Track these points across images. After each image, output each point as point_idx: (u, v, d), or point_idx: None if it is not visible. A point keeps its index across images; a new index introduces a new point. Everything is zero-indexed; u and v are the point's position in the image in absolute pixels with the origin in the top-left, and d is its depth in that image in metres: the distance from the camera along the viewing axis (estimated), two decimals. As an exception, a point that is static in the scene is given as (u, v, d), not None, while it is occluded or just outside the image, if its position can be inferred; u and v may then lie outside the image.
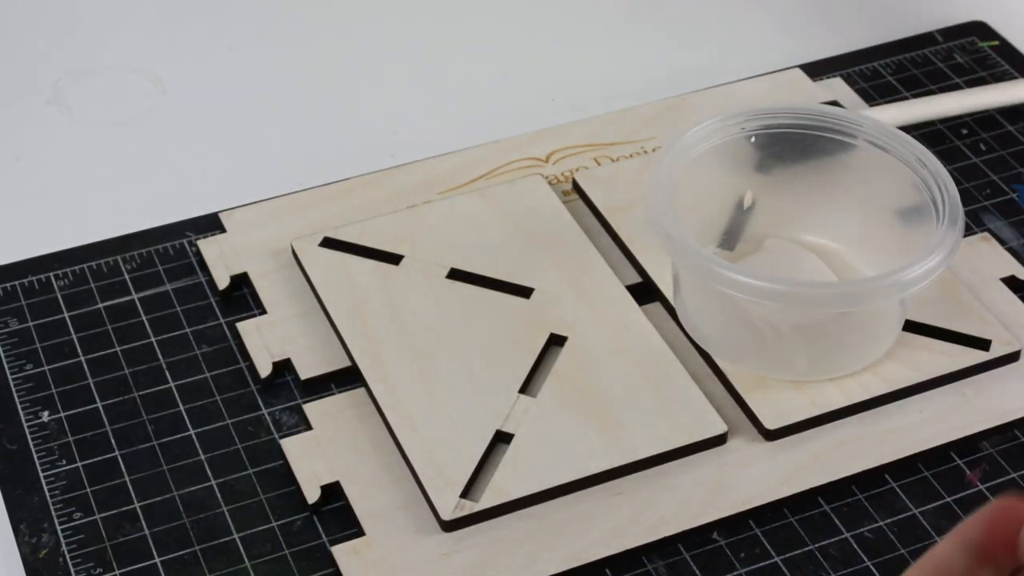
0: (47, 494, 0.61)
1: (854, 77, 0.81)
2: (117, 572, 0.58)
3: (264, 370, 0.64)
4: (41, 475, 0.61)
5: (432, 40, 0.85)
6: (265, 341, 0.65)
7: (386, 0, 0.88)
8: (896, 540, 0.59)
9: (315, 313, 0.67)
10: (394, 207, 0.71)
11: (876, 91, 0.80)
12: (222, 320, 0.68)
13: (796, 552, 0.59)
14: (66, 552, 0.58)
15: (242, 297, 0.69)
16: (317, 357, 0.65)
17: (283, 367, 0.65)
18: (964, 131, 0.78)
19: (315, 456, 0.61)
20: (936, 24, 0.85)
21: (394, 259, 0.68)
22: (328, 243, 0.68)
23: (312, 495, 0.60)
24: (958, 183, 0.75)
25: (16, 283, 0.69)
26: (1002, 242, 0.71)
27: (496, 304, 0.66)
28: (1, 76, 0.84)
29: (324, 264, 0.68)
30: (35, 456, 0.62)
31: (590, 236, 0.69)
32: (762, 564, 0.58)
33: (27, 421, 0.63)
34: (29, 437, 0.63)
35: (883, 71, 0.82)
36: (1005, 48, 0.83)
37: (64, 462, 0.62)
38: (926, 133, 0.77)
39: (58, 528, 0.59)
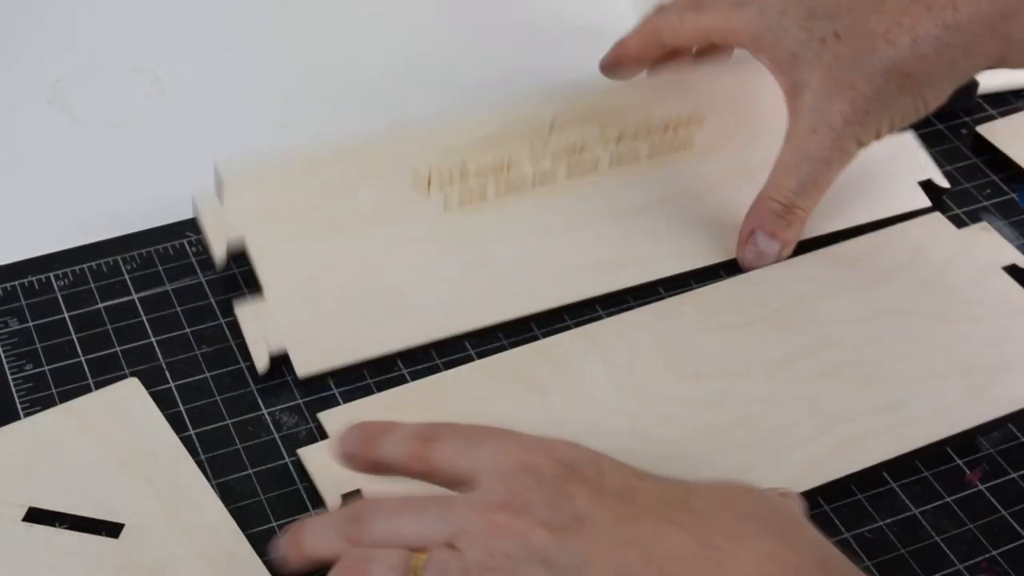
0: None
1: (854, 77, 0.81)
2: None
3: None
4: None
5: (433, 40, 0.85)
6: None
7: (387, 0, 0.88)
8: (896, 540, 0.59)
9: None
10: (397, 175, 0.69)
11: (876, 91, 0.80)
12: (222, 320, 0.68)
13: (796, 552, 0.58)
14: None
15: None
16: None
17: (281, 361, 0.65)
18: (964, 131, 0.78)
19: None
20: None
21: None
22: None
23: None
24: (957, 183, 0.75)
25: (16, 283, 0.69)
26: (1002, 242, 0.72)
27: (78, 549, 0.57)
28: (1, 76, 0.84)
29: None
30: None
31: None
32: (762, 564, 0.58)
33: (27, 421, 0.63)
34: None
35: (883, 71, 0.82)
36: (1005, 48, 0.83)
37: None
38: (927, 133, 0.77)
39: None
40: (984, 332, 0.66)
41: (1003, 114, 0.79)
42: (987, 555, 0.58)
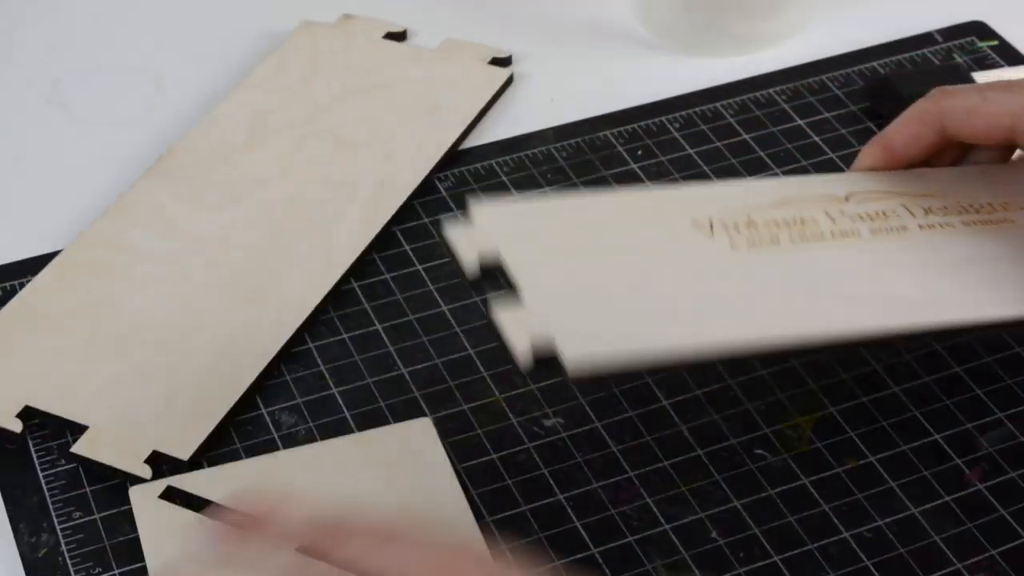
0: (46, 494, 0.61)
1: (854, 77, 0.81)
2: (116, 572, 0.58)
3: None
4: (40, 475, 0.61)
5: (434, 41, 0.85)
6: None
7: (393, 2, 0.88)
8: (896, 540, 0.59)
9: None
10: (672, 218, 0.59)
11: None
12: (222, 320, 0.68)
13: (796, 552, 0.58)
14: (65, 551, 0.58)
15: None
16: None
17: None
18: (964, 131, 0.78)
19: None
20: (936, 24, 0.85)
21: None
22: (170, 494, 0.60)
23: None
24: (958, 183, 0.75)
25: (16, 283, 0.69)
26: (1002, 242, 0.72)
27: None
28: (1, 76, 0.84)
29: (159, 520, 0.59)
30: (35, 456, 0.62)
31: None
32: (762, 564, 0.58)
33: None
34: (29, 437, 0.63)
35: (883, 71, 0.82)
36: (1004, 48, 0.83)
37: (63, 462, 0.62)
38: (926, 133, 0.77)
39: (57, 528, 0.59)
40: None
41: (1003, 114, 0.79)
42: (987, 554, 0.58)
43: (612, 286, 0.56)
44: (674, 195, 0.62)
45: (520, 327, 0.53)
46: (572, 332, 0.53)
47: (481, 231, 0.58)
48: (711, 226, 0.59)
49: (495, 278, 0.57)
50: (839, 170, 0.75)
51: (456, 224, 0.58)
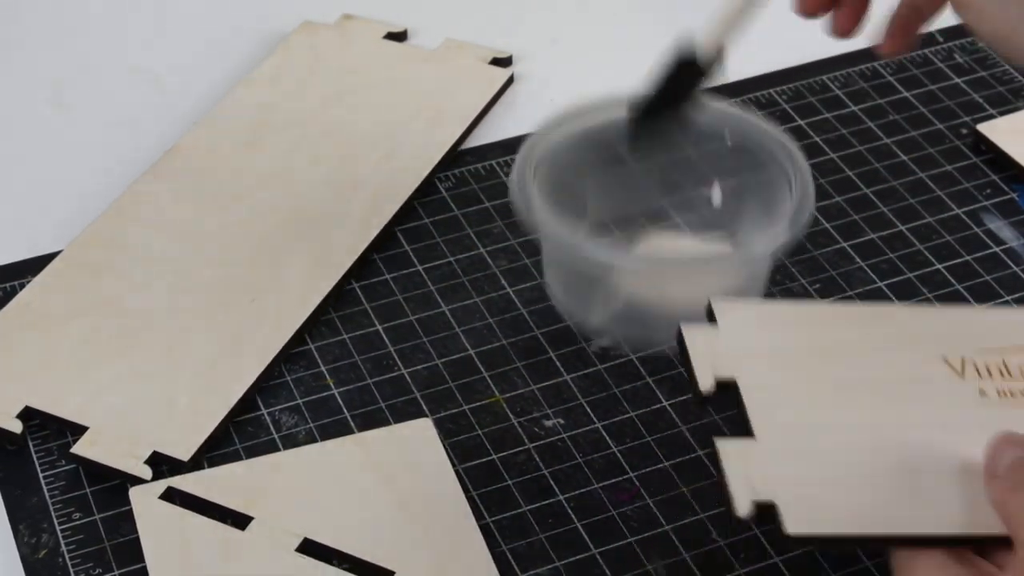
0: (47, 495, 0.61)
1: (854, 77, 0.81)
2: (116, 573, 0.58)
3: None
4: (41, 476, 0.61)
5: (434, 41, 0.85)
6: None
7: (392, 2, 0.88)
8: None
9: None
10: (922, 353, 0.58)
11: (876, 91, 0.80)
12: (222, 320, 0.68)
13: (796, 552, 0.58)
14: (65, 552, 0.58)
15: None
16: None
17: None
18: (964, 131, 0.78)
19: None
20: (936, 24, 0.85)
21: (241, 522, 0.59)
22: (170, 495, 0.60)
23: None
24: (957, 183, 0.75)
25: (16, 283, 0.69)
26: (1002, 242, 0.71)
27: None
28: (1, 76, 0.84)
29: (159, 521, 0.59)
30: (35, 457, 0.62)
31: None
32: (762, 564, 0.58)
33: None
34: (29, 438, 0.63)
35: (883, 71, 0.82)
36: (1005, 48, 0.83)
37: (64, 462, 0.62)
38: (926, 133, 0.77)
39: (57, 528, 0.59)
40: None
41: (1003, 113, 0.79)
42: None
43: (848, 446, 0.54)
44: (928, 325, 0.59)
45: (746, 487, 0.52)
46: (798, 506, 0.52)
47: (721, 342, 0.56)
48: (962, 367, 0.58)
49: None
50: (839, 170, 0.75)
51: (695, 331, 0.57)
